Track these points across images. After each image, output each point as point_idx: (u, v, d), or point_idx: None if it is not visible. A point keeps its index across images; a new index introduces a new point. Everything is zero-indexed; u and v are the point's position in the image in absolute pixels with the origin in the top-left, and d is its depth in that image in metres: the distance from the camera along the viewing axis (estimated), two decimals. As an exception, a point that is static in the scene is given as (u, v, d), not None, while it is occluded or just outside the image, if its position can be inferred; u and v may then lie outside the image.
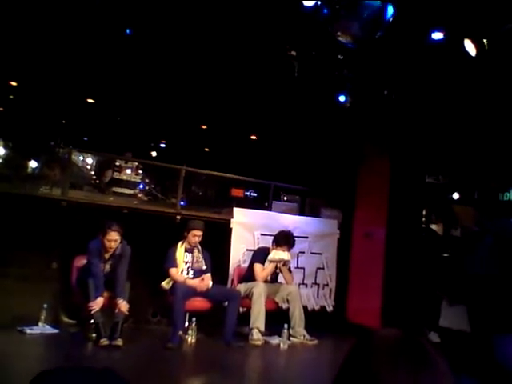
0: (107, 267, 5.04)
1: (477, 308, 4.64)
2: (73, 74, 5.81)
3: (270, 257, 5.68)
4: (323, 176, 7.07)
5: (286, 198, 6.91)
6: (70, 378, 0.66)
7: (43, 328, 4.89)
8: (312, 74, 5.73)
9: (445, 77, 5.33)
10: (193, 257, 5.57)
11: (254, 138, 7.28)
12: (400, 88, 5.85)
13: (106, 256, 5.05)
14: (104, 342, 4.60)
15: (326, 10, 3.83)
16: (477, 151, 6.13)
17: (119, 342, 4.68)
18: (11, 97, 6.92)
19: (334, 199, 7.04)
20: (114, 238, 4.96)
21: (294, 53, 5.28)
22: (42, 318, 4.95)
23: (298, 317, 5.59)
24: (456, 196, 6.80)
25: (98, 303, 4.72)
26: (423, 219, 6.67)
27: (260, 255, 5.80)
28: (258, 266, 5.68)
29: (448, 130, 6.17)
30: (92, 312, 4.67)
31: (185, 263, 5.48)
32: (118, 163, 6.94)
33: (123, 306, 4.84)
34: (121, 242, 5.05)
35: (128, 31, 4.91)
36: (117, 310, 4.82)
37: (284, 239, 5.74)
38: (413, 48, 5.06)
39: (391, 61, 5.41)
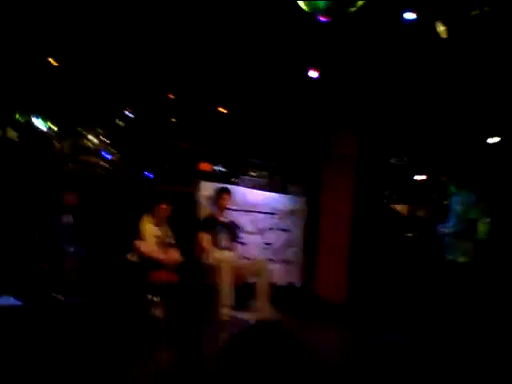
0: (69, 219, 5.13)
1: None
2: (33, 30, 5.45)
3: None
4: (292, 153, 7.06)
5: (253, 174, 6.87)
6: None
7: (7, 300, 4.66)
8: (283, 47, 5.67)
9: (415, 57, 5.41)
10: (161, 230, 5.47)
11: (222, 111, 7.16)
12: (371, 66, 5.89)
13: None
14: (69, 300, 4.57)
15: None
16: (443, 134, 6.30)
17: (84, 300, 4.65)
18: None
19: (302, 176, 7.05)
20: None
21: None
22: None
23: (265, 291, 5.60)
24: (420, 177, 6.98)
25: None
26: (385, 200, 6.81)
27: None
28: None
29: (416, 112, 6.30)
30: None
31: (155, 237, 5.38)
32: (81, 130, 6.64)
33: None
34: None
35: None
36: None
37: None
38: (385, 27, 5.08)
39: (362, 38, 5.41)
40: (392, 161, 7.31)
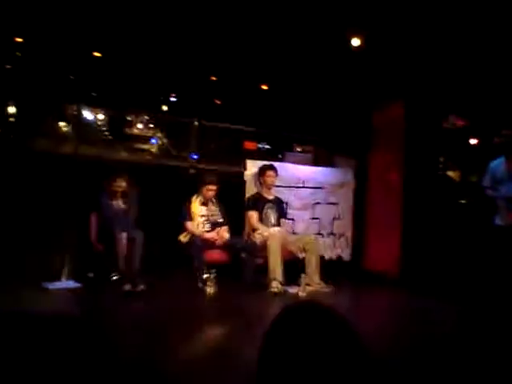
0: (120, 204, 5.20)
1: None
2: (78, 26, 5.66)
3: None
4: (337, 125, 6.94)
5: (299, 149, 6.83)
6: None
7: (66, 283, 4.98)
8: (323, 15, 5.54)
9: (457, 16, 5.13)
10: (208, 210, 5.60)
11: (264, 87, 7.14)
12: (413, 29, 5.63)
13: (117, 195, 5.23)
14: (127, 287, 4.72)
15: None
16: (494, 94, 5.95)
17: (142, 287, 4.79)
18: (18, 54, 6.79)
19: (348, 148, 6.93)
20: (119, 184, 5.20)
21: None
22: (65, 273, 5.04)
23: (314, 266, 5.62)
24: (474, 141, 6.66)
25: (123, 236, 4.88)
26: (440, 166, 6.56)
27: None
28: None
29: (464, 73, 5.98)
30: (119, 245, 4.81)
31: (201, 216, 5.52)
32: (129, 118, 6.87)
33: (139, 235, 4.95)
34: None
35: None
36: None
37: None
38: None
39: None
40: (445, 125, 7.00)
